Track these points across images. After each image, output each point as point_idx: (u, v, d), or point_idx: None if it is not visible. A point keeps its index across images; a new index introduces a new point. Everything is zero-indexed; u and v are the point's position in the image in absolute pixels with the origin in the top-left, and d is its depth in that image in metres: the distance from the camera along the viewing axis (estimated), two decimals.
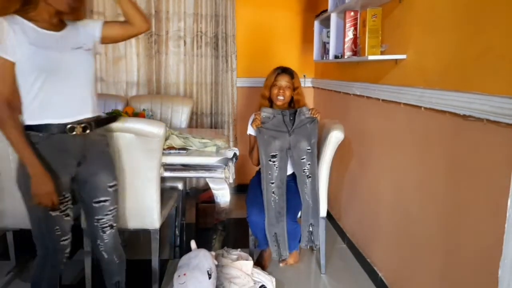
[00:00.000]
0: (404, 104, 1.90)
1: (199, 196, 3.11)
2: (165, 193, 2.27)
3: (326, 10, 2.80)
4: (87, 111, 1.55)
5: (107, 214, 1.68)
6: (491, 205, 1.31)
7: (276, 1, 3.57)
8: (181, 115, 3.12)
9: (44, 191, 1.43)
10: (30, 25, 1.42)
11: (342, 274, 2.40)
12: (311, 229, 2.26)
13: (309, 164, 2.23)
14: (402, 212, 1.97)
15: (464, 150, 1.47)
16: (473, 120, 1.39)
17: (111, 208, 1.69)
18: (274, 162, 2.22)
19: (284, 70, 2.34)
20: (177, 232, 2.63)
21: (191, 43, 3.46)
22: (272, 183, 2.21)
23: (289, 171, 2.33)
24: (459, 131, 1.49)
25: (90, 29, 1.59)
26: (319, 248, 2.35)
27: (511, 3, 1.22)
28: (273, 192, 2.20)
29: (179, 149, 2.10)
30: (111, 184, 1.67)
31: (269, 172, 2.21)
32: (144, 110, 2.82)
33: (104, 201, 1.66)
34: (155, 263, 2.09)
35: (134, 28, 1.61)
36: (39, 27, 1.44)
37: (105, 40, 1.63)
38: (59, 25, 1.52)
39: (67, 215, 1.58)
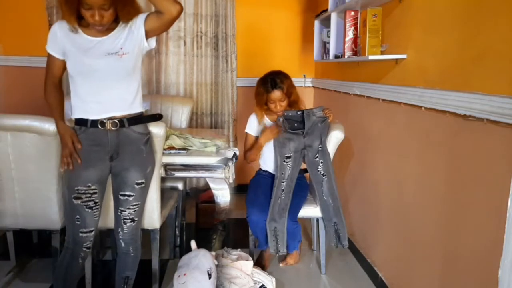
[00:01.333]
0: (404, 104, 1.90)
1: (199, 196, 3.11)
2: (165, 193, 2.27)
3: (326, 10, 2.80)
4: (120, 110, 1.64)
5: (129, 208, 1.74)
6: (491, 205, 1.31)
7: (276, 1, 3.57)
8: (181, 115, 3.12)
9: (65, 152, 1.62)
10: (78, 30, 1.58)
11: (342, 274, 2.40)
12: (336, 227, 2.26)
13: (322, 163, 2.25)
14: (402, 212, 1.97)
15: (464, 150, 1.47)
16: (473, 120, 1.39)
17: (134, 203, 1.74)
18: (288, 162, 2.28)
19: (274, 85, 2.26)
20: (177, 232, 2.63)
21: (191, 43, 3.46)
22: (284, 181, 2.26)
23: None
24: (460, 131, 1.49)
25: (136, 29, 1.62)
26: (320, 247, 2.35)
27: (511, 3, 1.22)
28: (283, 190, 2.24)
29: (179, 149, 2.10)
30: (138, 181, 1.72)
31: (282, 172, 2.28)
32: (144, 110, 2.82)
33: (129, 195, 1.72)
34: (155, 263, 2.10)
35: (165, 15, 1.60)
36: (84, 32, 1.59)
37: (149, 34, 1.66)
38: (107, 30, 1.59)
39: (89, 207, 1.65)
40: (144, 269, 2.17)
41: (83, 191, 1.63)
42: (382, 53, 2.05)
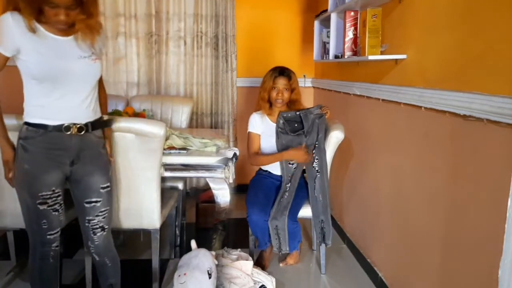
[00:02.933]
0: (404, 104, 1.90)
1: (199, 196, 3.11)
2: (165, 193, 2.27)
3: (326, 10, 2.80)
4: (85, 115, 1.59)
5: (97, 215, 1.67)
6: (491, 205, 1.31)
7: (276, 1, 3.57)
8: (181, 115, 3.12)
9: (4, 160, 1.58)
10: (39, 29, 1.45)
11: (342, 274, 2.40)
12: (322, 225, 2.27)
13: (317, 159, 2.27)
14: (402, 212, 1.97)
15: (464, 150, 1.47)
16: (473, 120, 1.39)
17: (103, 209, 1.68)
18: (292, 164, 2.32)
19: (282, 72, 2.35)
20: (177, 232, 2.63)
21: (191, 43, 3.46)
22: (288, 183, 2.29)
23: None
24: (459, 131, 1.49)
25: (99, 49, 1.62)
26: (320, 247, 2.36)
27: (511, 3, 1.22)
28: (287, 190, 2.27)
29: (179, 149, 2.10)
30: (104, 185, 1.67)
31: (288, 174, 2.32)
32: (144, 110, 2.82)
33: (96, 201, 1.66)
34: (155, 262, 2.09)
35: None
36: (45, 30, 1.47)
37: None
38: (69, 29, 1.50)
39: (56, 210, 1.60)
40: (144, 269, 2.17)
41: (48, 196, 1.55)
42: (382, 53, 2.06)
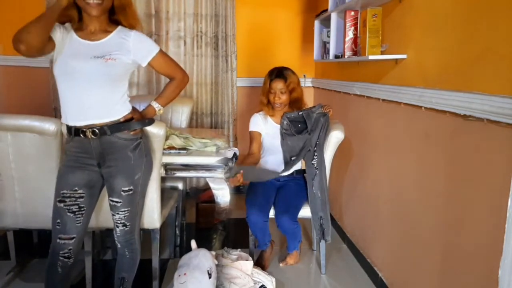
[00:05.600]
0: (404, 104, 1.90)
1: (199, 196, 3.11)
2: (165, 193, 2.27)
3: (326, 10, 2.80)
4: (99, 117, 1.59)
5: (118, 213, 1.72)
6: (491, 205, 1.31)
7: (276, 1, 3.57)
8: (181, 115, 3.12)
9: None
10: (73, 33, 1.59)
11: (342, 274, 2.40)
12: (321, 222, 2.27)
13: (316, 156, 2.26)
14: (402, 212, 1.97)
15: (464, 150, 1.47)
16: (473, 120, 1.39)
17: (123, 209, 1.71)
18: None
19: (278, 75, 2.34)
20: (177, 232, 2.63)
21: (191, 43, 3.46)
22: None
23: (292, 170, 2.35)
24: (460, 131, 1.49)
25: (138, 56, 1.65)
26: (320, 247, 2.36)
27: (511, 3, 1.22)
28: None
29: (179, 149, 2.10)
30: (125, 189, 1.68)
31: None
32: None
33: (117, 202, 1.69)
34: (155, 262, 2.10)
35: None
36: (76, 34, 1.59)
37: (150, 68, 1.76)
38: (100, 35, 1.60)
39: (72, 212, 1.61)
40: (144, 268, 2.17)
41: (68, 195, 1.60)
42: (382, 53, 2.05)
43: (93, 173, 1.65)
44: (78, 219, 1.62)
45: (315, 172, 2.27)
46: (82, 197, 1.62)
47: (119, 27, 1.64)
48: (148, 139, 1.82)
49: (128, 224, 1.74)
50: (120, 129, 1.63)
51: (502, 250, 1.21)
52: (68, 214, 1.60)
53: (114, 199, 1.69)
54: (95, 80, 1.56)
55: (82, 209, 1.63)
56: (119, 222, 1.73)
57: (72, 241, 1.62)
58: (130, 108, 1.69)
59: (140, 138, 1.70)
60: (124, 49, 1.61)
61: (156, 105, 1.80)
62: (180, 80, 1.81)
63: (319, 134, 2.27)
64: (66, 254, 1.62)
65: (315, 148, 2.28)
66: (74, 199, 1.61)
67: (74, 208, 1.61)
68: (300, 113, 2.32)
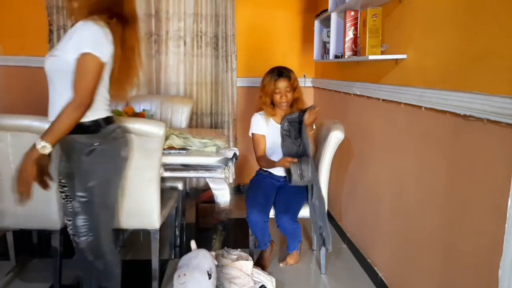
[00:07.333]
0: (404, 104, 1.90)
1: (199, 196, 3.11)
2: (165, 193, 2.27)
3: (326, 10, 2.80)
4: (53, 116, 1.49)
5: (78, 220, 1.57)
6: (491, 205, 1.31)
7: (276, 1, 3.57)
8: (181, 115, 3.12)
9: None
10: None
11: (342, 274, 2.40)
12: (321, 231, 2.25)
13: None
14: (402, 212, 1.97)
15: (464, 150, 1.46)
16: (473, 120, 1.39)
17: (81, 217, 1.56)
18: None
19: (281, 74, 2.33)
20: (177, 232, 2.63)
21: (191, 43, 3.46)
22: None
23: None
24: (460, 131, 1.49)
25: (73, 49, 1.44)
26: (320, 248, 2.35)
27: (511, 3, 1.22)
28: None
29: (179, 149, 2.10)
30: (79, 194, 1.54)
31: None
32: (144, 110, 2.82)
33: (76, 207, 1.56)
34: (155, 263, 2.09)
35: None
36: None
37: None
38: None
39: (63, 198, 1.62)
40: (144, 269, 2.17)
41: (57, 181, 1.62)
42: (382, 53, 2.05)
43: (66, 166, 1.59)
44: (68, 205, 1.59)
45: (312, 183, 2.25)
46: (65, 186, 1.58)
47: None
48: (122, 144, 1.63)
49: (90, 234, 1.58)
50: (73, 131, 1.47)
51: (502, 250, 1.21)
52: (62, 199, 1.63)
53: (74, 204, 1.56)
54: (49, 78, 1.52)
55: (69, 197, 1.58)
56: (80, 230, 1.57)
57: (70, 222, 1.60)
58: (100, 110, 1.53)
59: (97, 144, 1.52)
60: (67, 43, 1.45)
61: (39, 144, 1.40)
62: (73, 105, 1.42)
63: (302, 141, 2.26)
64: (70, 231, 1.61)
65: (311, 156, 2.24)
66: (60, 187, 1.62)
67: (63, 195, 1.61)
68: (301, 113, 2.30)
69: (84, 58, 1.41)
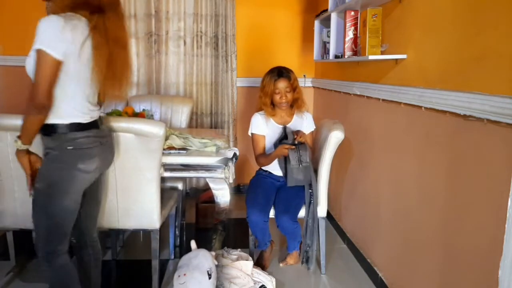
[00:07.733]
0: (404, 104, 1.90)
1: (199, 196, 3.11)
2: (165, 193, 2.27)
3: (326, 10, 2.80)
4: None
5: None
6: (491, 205, 1.31)
7: (276, 1, 3.57)
8: (181, 115, 3.12)
9: None
10: None
11: (342, 274, 2.40)
12: (307, 249, 2.28)
13: (310, 191, 2.26)
14: (402, 212, 1.97)
15: (464, 150, 1.47)
16: (473, 120, 1.39)
17: (33, 213, 1.52)
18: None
19: (281, 74, 2.32)
20: (177, 232, 2.63)
21: (191, 43, 3.46)
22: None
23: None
24: (460, 131, 1.49)
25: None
26: (320, 247, 2.35)
27: (511, 4, 1.22)
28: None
29: (179, 149, 2.10)
30: (32, 192, 1.52)
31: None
32: (144, 110, 2.82)
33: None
34: (155, 263, 2.09)
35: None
36: None
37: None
38: None
39: None
40: (144, 269, 2.17)
41: None
42: (382, 53, 2.05)
43: None
44: None
45: (310, 200, 2.25)
46: None
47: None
48: (82, 156, 1.51)
49: (36, 231, 1.53)
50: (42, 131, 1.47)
51: (502, 250, 1.21)
52: None
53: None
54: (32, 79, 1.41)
55: None
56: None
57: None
58: (67, 115, 1.45)
59: (50, 149, 1.47)
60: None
61: (14, 141, 1.46)
62: (27, 104, 1.37)
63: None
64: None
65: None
66: None
67: None
68: (296, 143, 2.19)
69: (37, 55, 1.34)
